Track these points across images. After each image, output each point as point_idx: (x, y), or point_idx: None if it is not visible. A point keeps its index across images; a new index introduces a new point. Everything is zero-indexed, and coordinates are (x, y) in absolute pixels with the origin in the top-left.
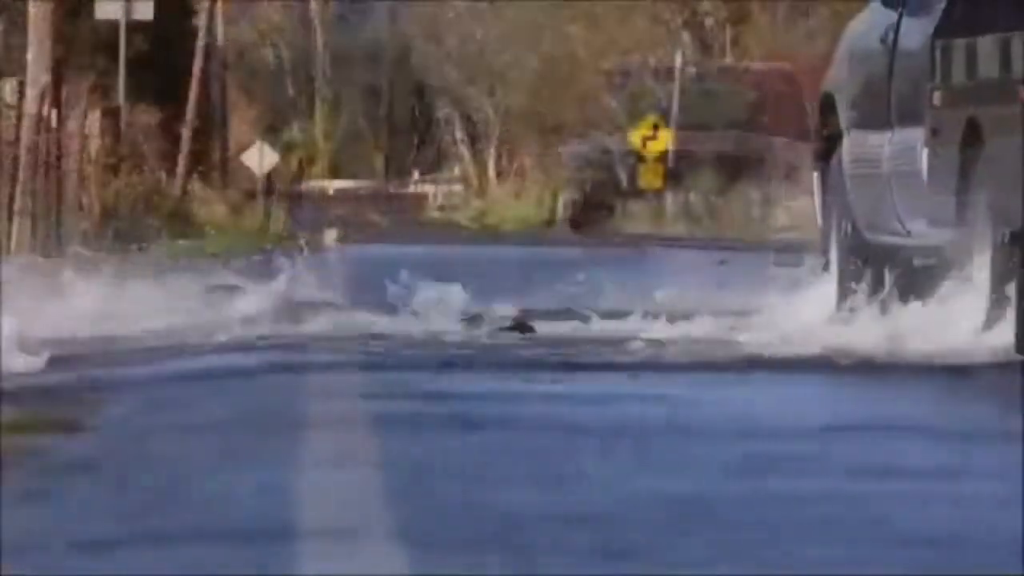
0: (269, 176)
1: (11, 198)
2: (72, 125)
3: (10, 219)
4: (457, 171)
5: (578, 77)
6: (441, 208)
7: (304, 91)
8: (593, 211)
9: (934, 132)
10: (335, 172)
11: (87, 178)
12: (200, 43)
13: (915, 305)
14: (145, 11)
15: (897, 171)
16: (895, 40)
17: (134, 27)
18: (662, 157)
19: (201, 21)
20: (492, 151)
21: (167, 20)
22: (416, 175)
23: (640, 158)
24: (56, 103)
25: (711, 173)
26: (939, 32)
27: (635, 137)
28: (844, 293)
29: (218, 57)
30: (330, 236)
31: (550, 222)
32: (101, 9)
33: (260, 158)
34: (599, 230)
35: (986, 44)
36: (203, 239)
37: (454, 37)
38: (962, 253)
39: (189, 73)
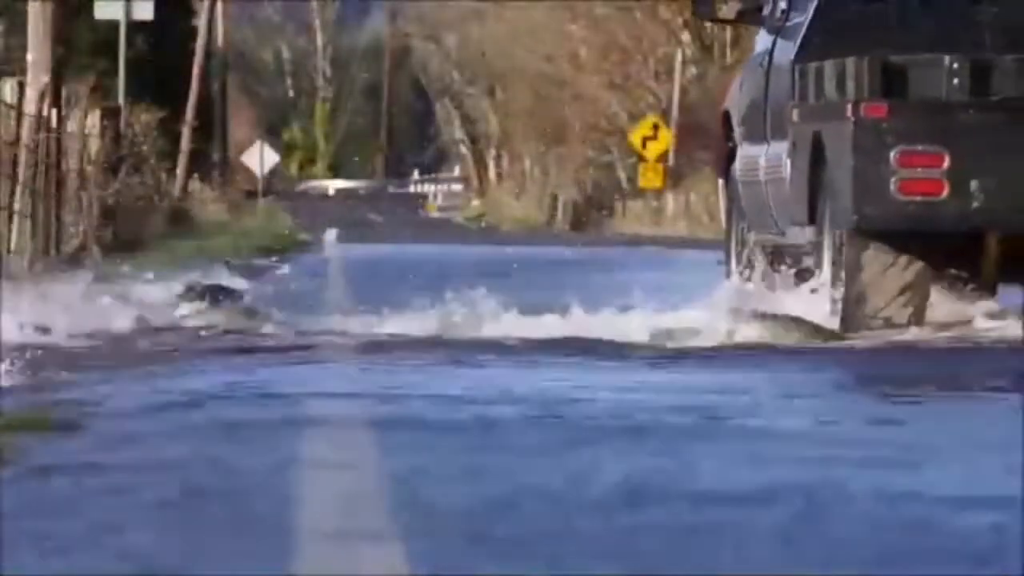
0: (269, 176)
1: (11, 198)
2: (72, 125)
3: (10, 219)
4: (457, 171)
5: (578, 77)
6: (441, 208)
7: (304, 91)
8: (593, 211)
9: (793, 145)
10: (335, 172)
11: (87, 178)
12: (200, 43)
13: (786, 296)
14: (145, 11)
15: (769, 179)
16: (769, 63)
17: (134, 27)
18: (662, 157)
19: (201, 21)
20: (492, 151)
21: (167, 20)
22: (416, 175)
23: (640, 158)
24: (56, 103)
25: (711, 173)
26: (798, 57)
27: (635, 137)
28: (737, 286)
29: (218, 57)
30: (330, 236)
31: (550, 222)
32: (101, 9)
33: (260, 158)
34: (599, 230)
35: (829, 68)
36: (203, 239)
37: (454, 37)
38: (816, 250)
39: (189, 73)
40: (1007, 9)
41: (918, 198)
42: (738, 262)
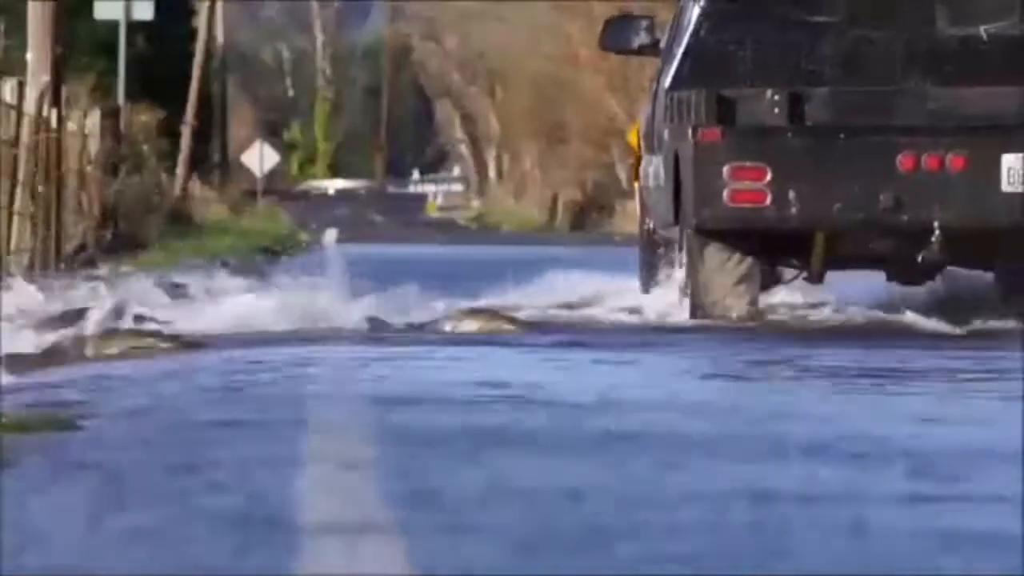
0: (269, 176)
1: (11, 198)
2: (72, 125)
3: (10, 219)
4: (457, 171)
5: (578, 77)
6: (441, 208)
7: (304, 91)
8: (593, 211)
9: (664, 159)
10: (335, 172)
11: (87, 178)
12: (200, 43)
13: (663, 285)
14: (145, 11)
15: (656, 185)
16: (657, 89)
17: (134, 27)
18: None
19: (201, 21)
20: (492, 151)
21: (167, 20)
22: (416, 175)
23: (640, 158)
24: (56, 103)
25: None
26: (671, 86)
27: (634, 137)
28: (645, 276)
29: (218, 57)
30: (330, 236)
31: (550, 222)
32: (101, 9)
33: (260, 158)
34: (599, 230)
35: (683, 97)
36: (203, 239)
37: (454, 37)
38: (678, 247)
39: (189, 73)
40: (843, 45)
41: (746, 205)
42: (646, 254)
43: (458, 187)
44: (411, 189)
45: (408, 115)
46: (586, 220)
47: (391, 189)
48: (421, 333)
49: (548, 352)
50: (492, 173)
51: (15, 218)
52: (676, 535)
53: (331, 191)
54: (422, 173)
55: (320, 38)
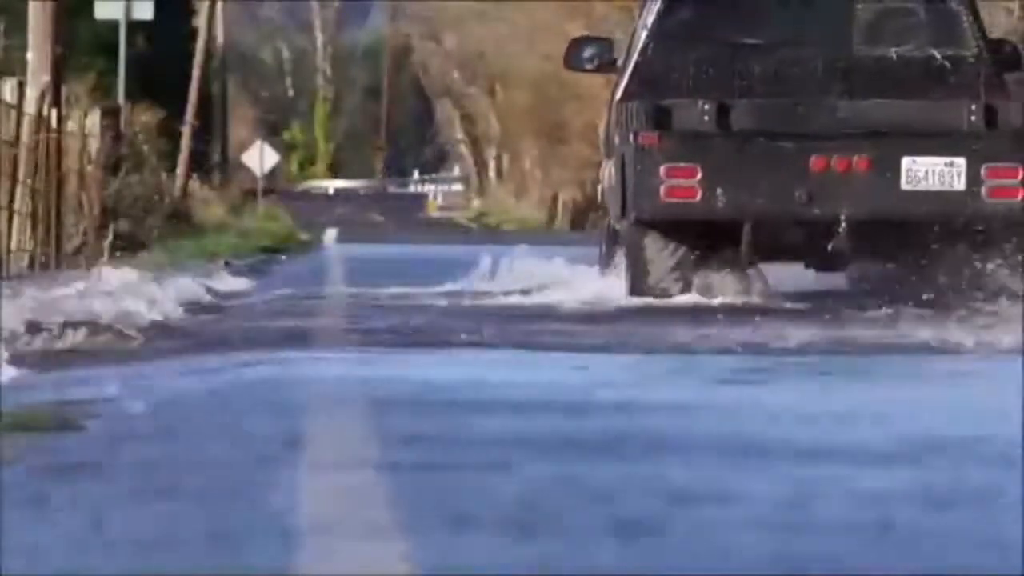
0: (269, 176)
1: (11, 198)
2: (72, 125)
3: (10, 219)
4: (457, 171)
5: (578, 77)
6: (441, 208)
7: (304, 91)
8: (593, 211)
9: (615, 161)
10: (335, 172)
11: (87, 178)
12: (200, 43)
13: (614, 272)
14: (145, 11)
15: (609, 185)
16: (612, 100)
17: (134, 27)
18: None
19: (201, 21)
20: (492, 151)
21: (167, 20)
22: (416, 175)
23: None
24: (56, 103)
25: None
26: (621, 97)
27: None
28: (604, 266)
29: (218, 57)
30: (330, 236)
31: (550, 222)
32: (101, 9)
33: (260, 158)
34: (599, 229)
35: (627, 108)
36: (203, 239)
37: (454, 37)
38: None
39: (189, 73)
40: (770, 63)
41: (679, 200)
42: (606, 247)
43: (458, 187)
44: (411, 189)
45: (408, 115)
46: (586, 219)
47: (391, 189)
48: None
49: None
50: (492, 173)
51: (15, 218)
52: None
53: (331, 191)
54: (422, 173)
55: (320, 38)
